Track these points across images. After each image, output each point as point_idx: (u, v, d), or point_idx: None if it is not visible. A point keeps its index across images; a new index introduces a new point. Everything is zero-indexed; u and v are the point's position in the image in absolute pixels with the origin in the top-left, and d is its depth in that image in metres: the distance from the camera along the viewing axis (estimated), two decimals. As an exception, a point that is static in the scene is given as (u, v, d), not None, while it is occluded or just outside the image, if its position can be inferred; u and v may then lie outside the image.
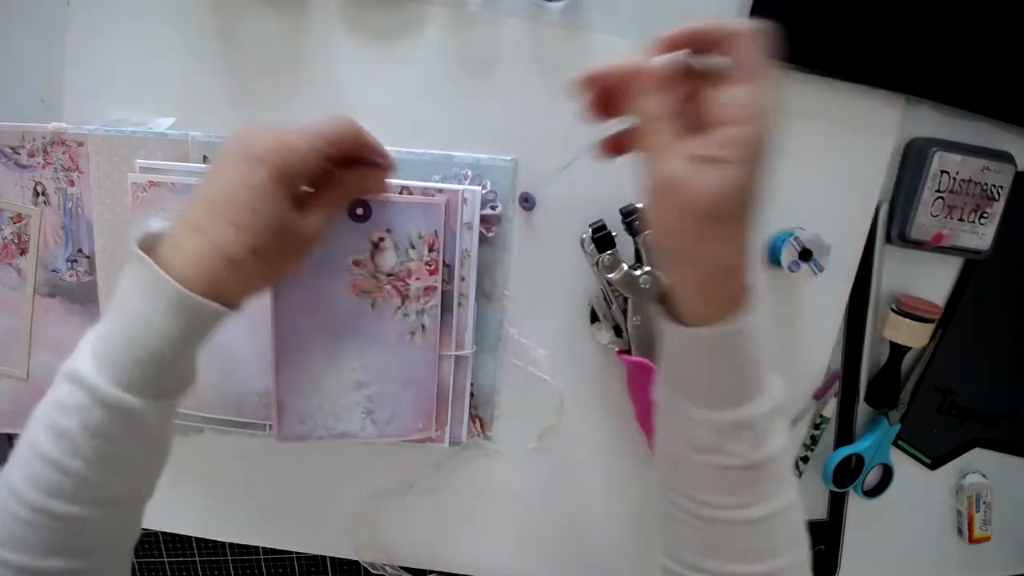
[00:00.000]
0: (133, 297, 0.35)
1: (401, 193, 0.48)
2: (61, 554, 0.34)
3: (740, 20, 0.29)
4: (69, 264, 0.52)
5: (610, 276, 0.50)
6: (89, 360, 0.34)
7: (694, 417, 0.36)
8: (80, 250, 0.52)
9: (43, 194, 0.51)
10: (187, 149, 0.49)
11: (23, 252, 0.52)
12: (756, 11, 0.50)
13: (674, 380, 0.38)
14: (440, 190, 0.48)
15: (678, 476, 0.39)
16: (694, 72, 0.32)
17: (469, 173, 0.51)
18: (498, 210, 0.51)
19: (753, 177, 0.31)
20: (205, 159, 0.49)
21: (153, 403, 0.35)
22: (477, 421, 0.55)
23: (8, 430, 0.56)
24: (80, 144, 0.49)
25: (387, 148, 0.50)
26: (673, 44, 0.32)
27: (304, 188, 0.39)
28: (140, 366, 0.34)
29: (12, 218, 0.51)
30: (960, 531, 0.66)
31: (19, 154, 0.50)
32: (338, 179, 0.41)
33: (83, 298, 0.53)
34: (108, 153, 0.49)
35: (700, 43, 0.32)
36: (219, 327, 0.38)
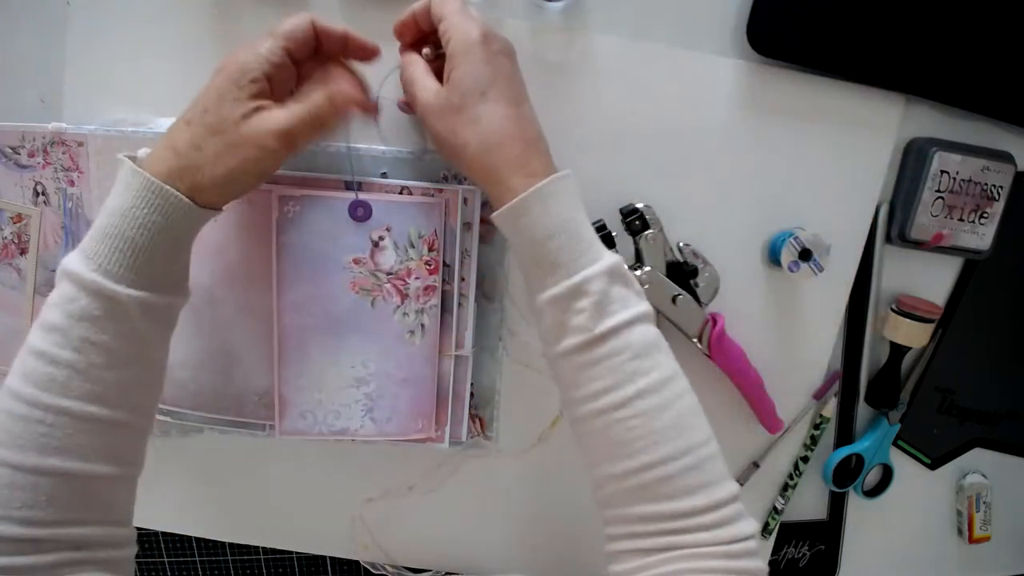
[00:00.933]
0: (113, 195, 0.38)
1: (401, 193, 0.48)
2: (57, 454, 0.35)
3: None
4: (69, 264, 0.52)
5: (610, 276, 0.50)
6: (75, 256, 0.37)
7: (537, 305, 0.40)
8: (80, 250, 0.52)
9: (43, 194, 0.51)
10: (187, 149, 0.49)
11: (23, 252, 0.52)
12: (756, 11, 0.50)
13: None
14: (440, 190, 0.48)
15: (559, 385, 0.41)
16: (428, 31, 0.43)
17: (469, 173, 0.51)
18: (498, 210, 0.51)
19: (474, 72, 0.40)
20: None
21: (135, 293, 0.37)
22: (477, 421, 0.55)
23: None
24: (80, 144, 0.49)
25: (385, 148, 0.50)
26: (404, 29, 0.44)
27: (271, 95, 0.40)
28: (118, 253, 0.36)
29: (12, 218, 0.51)
30: (960, 531, 0.66)
31: (19, 154, 0.50)
32: (309, 78, 0.42)
33: (83, 298, 0.53)
34: (108, 153, 0.49)
35: (421, 19, 0.43)
36: (195, 227, 0.40)
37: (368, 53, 0.44)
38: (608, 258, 0.39)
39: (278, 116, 0.39)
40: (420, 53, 0.45)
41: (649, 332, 0.39)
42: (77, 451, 0.36)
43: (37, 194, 0.51)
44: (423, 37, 0.44)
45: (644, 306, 0.39)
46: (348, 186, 0.47)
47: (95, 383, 0.36)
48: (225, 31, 0.50)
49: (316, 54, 0.42)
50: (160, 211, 0.37)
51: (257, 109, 0.39)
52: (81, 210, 0.51)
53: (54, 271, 0.52)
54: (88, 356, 0.36)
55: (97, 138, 0.49)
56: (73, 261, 0.37)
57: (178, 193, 0.37)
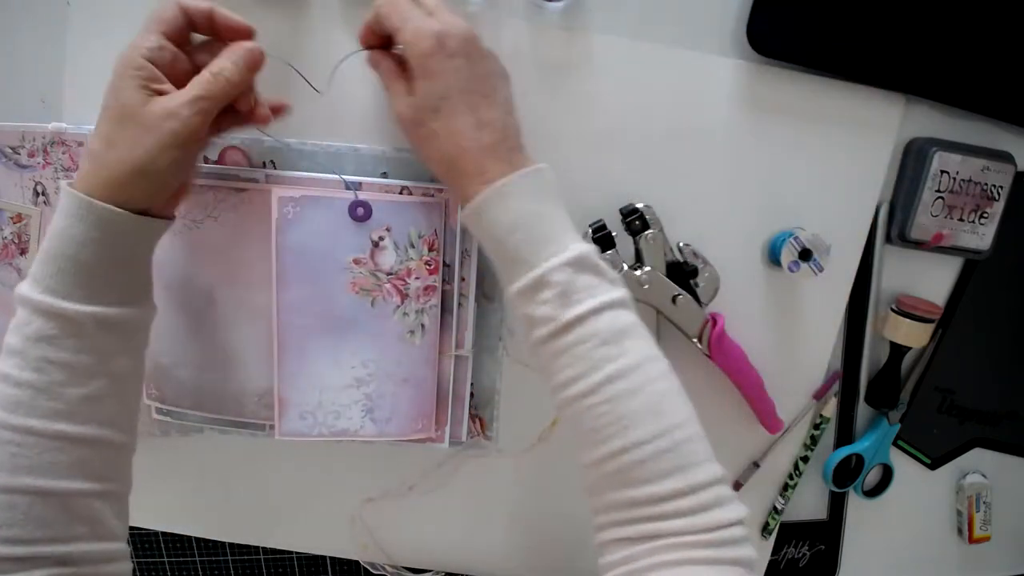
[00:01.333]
0: (54, 219, 0.38)
1: (401, 193, 0.48)
2: (29, 473, 0.35)
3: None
4: (69, 264, 0.52)
5: (610, 276, 0.50)
6: (25, 281, 0.37)
7: (509, 298, 0.41)
8: (80, 250, 0.52)
9: (43, 194, 0.51)
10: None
11: (23, 252, 0.52)
12: (756, 11, 0.50)
13: None
14: (440, 190, 0.48)
15: (541, 376, 0.41)
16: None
17: (469, 173, 0.50)
18: (498, 210, 0.51)
19: (428, 87, 0.40)
20: (206, 159, 0.49)
21: (86, 308, 0.37)
22: (477, 421, 0.55)
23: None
24: (80, 144, 0.49)
25: (384, 147, 0.50)
26: (366, 44, 0.45)
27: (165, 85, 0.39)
28: (60, 273, 0.37)
29: (12, 218, 0.51)
30: (960, 531, 0.66)
31: (19, 154, 0.50)
32: (196, 62, 0.41)
33: (83, 298, 0.53)
34: (108, 153, 0.49)
35: (376, 28, 0.43)
36: (137, 238, 0.40)
37: (238, 33, 0.41)
38: (574, 248, 0.39)
39: (184, 90, 0.39)
40: (393, 50, 0.44)
41: (619, 318, 0.39)
42: (49, 469, 0.36)
43: (37, 194, 0.51)
44: (390, 36, 0.43)
45: (616, 293, 0.39)
46: (348, 186, 0.47)
47: (58, 400, 0.36)
48: (225, 31, 0.50)
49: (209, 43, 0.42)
50: (93, 224, 0.37)
51: (159, 92, 0.38)
52: (81, 210, 0.51)
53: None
54: (48, 375, 0.36)
55: (97, 138, 0.49)
56: (23, 286, 0.37)
57: (105, 205, 0.37)
